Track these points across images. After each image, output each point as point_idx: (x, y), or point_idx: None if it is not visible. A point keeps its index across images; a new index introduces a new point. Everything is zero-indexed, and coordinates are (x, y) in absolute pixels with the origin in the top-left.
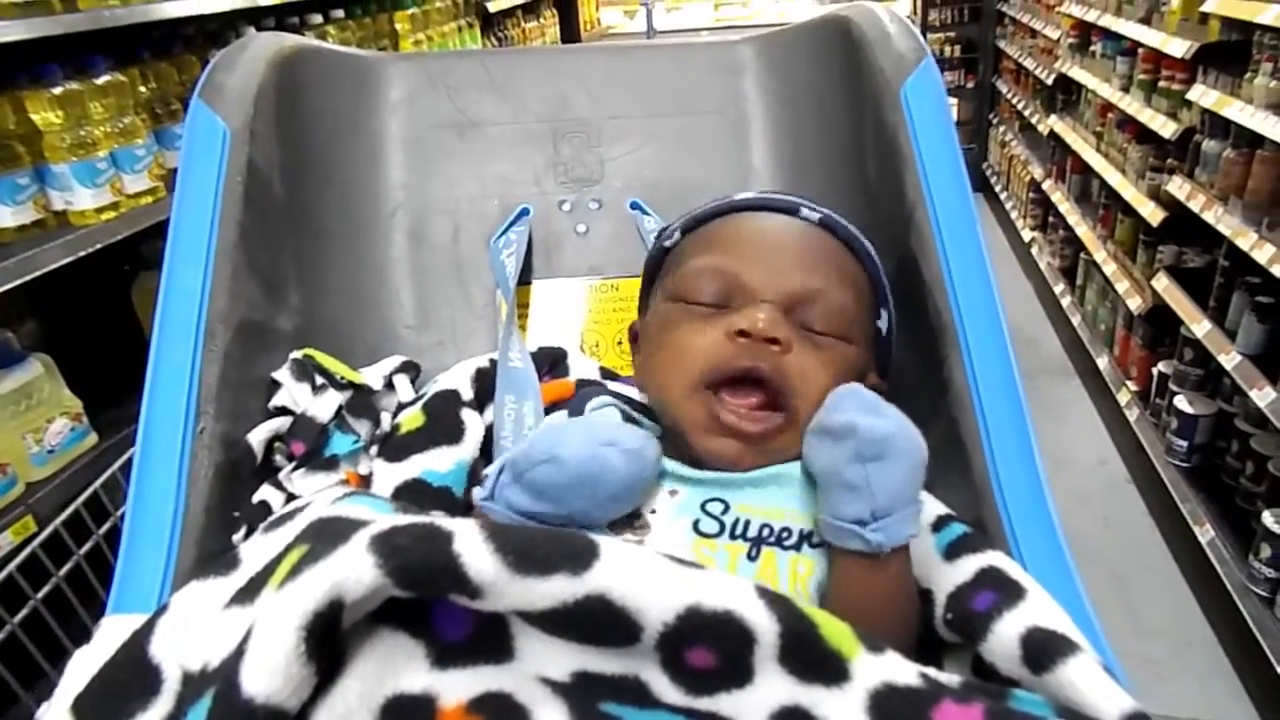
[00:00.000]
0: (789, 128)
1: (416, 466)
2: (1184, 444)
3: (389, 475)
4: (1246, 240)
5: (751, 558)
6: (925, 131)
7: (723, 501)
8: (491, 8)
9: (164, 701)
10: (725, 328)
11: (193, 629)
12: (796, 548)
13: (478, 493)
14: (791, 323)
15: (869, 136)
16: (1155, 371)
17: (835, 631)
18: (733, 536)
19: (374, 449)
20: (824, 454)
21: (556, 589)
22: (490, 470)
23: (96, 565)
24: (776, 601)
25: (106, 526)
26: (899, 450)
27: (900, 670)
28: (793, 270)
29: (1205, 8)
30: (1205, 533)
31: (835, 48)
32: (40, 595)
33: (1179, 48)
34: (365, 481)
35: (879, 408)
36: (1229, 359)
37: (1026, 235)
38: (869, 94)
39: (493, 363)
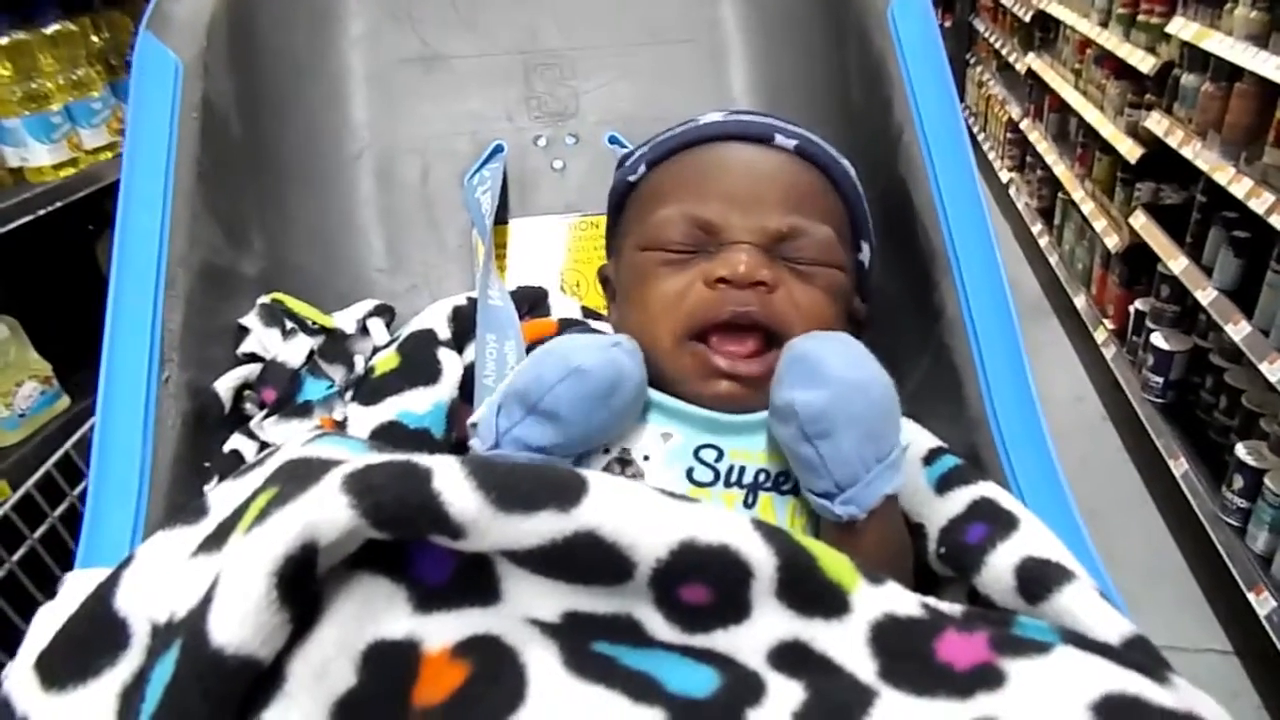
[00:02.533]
0: (769, 54)
1: (392, 408)
2: (1160, 380)
3: (364, 419)
4: (1224, 174)
5: (748, 504)
6: (914, 53)
7: (716, 448)
8: None
9: (133, 656)
10: (704, 275)
11: (160, 580)
12: (795, 491)
13: (477, 445)
14: (774, 260)
15: (853, 60)
16: (1132, 309)
17: (834, 563)
18: (727, 484)
19: (348, 394)
20: (777, 431)
21: (543, 526)
22: (480, 416)
23: (71, 527)
24: (774, 534)
25: (80, 488)
26: (846, 419)
27: (902, 601)
28: (771, 209)
29: None
30: (1179, 466)
31: None
32: (16, 557)
33: None
34: (340, 427)
35: (817, 374)
36: (1205, 295)
37: (1004, 176)
38: (854, 16)
39: (470, 301)
